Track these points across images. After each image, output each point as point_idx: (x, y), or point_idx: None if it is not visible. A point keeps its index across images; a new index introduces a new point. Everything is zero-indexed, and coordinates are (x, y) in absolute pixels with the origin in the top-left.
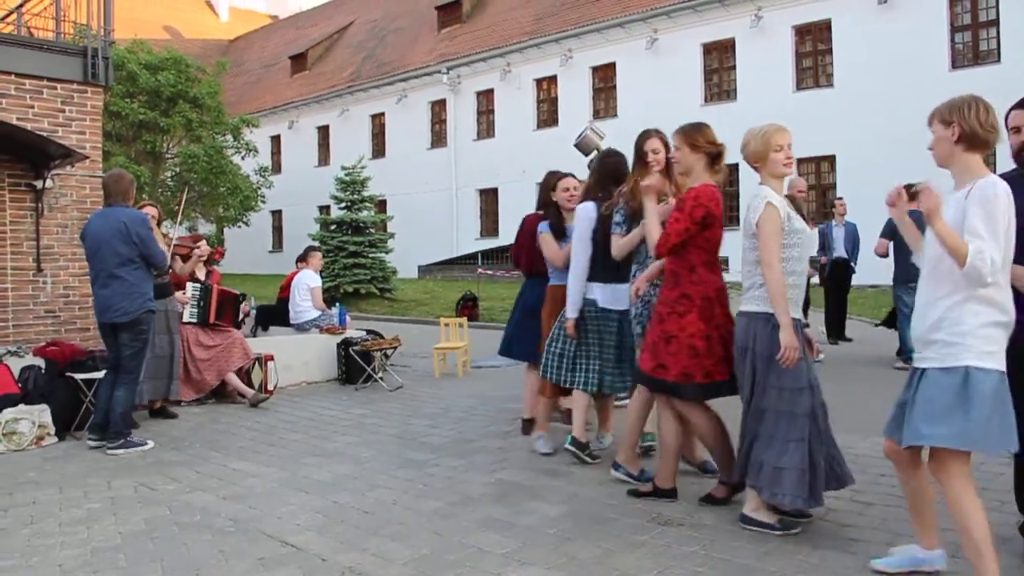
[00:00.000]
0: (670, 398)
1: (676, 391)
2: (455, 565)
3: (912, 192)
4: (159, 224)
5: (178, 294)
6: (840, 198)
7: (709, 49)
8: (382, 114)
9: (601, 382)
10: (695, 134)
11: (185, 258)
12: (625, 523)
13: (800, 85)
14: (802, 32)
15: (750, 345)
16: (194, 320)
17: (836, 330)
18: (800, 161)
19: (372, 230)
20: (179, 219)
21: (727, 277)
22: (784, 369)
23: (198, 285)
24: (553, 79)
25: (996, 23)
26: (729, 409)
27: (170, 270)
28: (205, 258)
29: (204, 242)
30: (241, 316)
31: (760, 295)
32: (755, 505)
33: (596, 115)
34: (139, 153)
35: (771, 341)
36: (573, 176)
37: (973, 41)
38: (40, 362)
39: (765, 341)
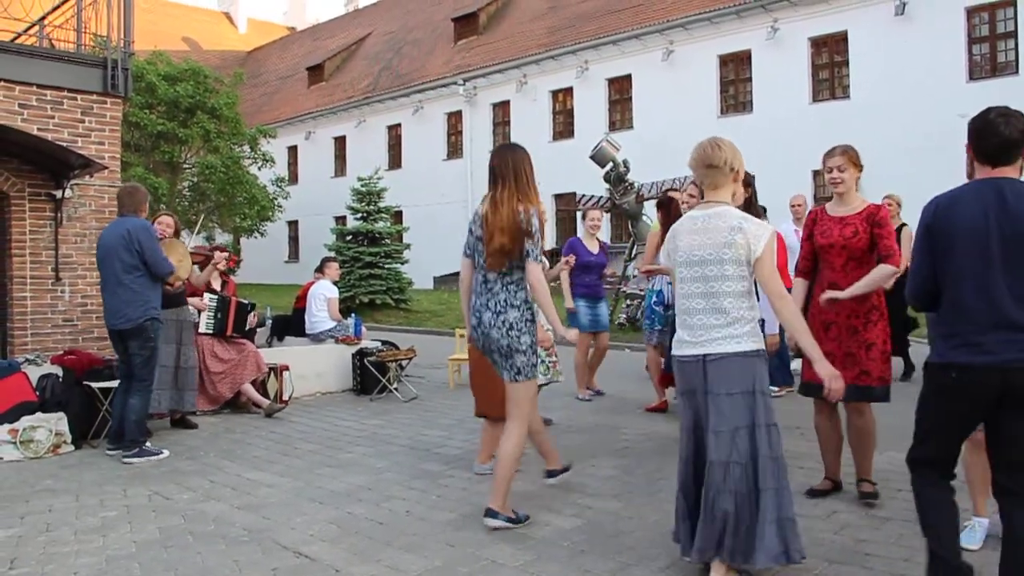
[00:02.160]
0: (860, 403)
1: (874, 395)
2: None
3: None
4: (176, 234)
5: (196, 300)
6: None
7: (725, 61)
8: (398, 125)
9: None
10: (855, 153)
11: (201, 266)
12: (639, 536)
13: (816, 97)
14: (818, 44)
15: (754, 388)
16: (210, 331)
17: None
18: (816, 173)
19: (388, 241)
20: (197, 228)
21: None
22: (771, 408)
23: (215, 296)
24: (569, 91)
25: (1014, 35)
26: None
27: (177, 279)
28: (222, 268)
29: (224, 253)
30: (249, 326)
31: (753, 331)
32: None
33: (612, 127)
34: (157, 164)
35: (765, 378)
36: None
37: (991, 53)
38: (58, 370)
39: (765, 380)
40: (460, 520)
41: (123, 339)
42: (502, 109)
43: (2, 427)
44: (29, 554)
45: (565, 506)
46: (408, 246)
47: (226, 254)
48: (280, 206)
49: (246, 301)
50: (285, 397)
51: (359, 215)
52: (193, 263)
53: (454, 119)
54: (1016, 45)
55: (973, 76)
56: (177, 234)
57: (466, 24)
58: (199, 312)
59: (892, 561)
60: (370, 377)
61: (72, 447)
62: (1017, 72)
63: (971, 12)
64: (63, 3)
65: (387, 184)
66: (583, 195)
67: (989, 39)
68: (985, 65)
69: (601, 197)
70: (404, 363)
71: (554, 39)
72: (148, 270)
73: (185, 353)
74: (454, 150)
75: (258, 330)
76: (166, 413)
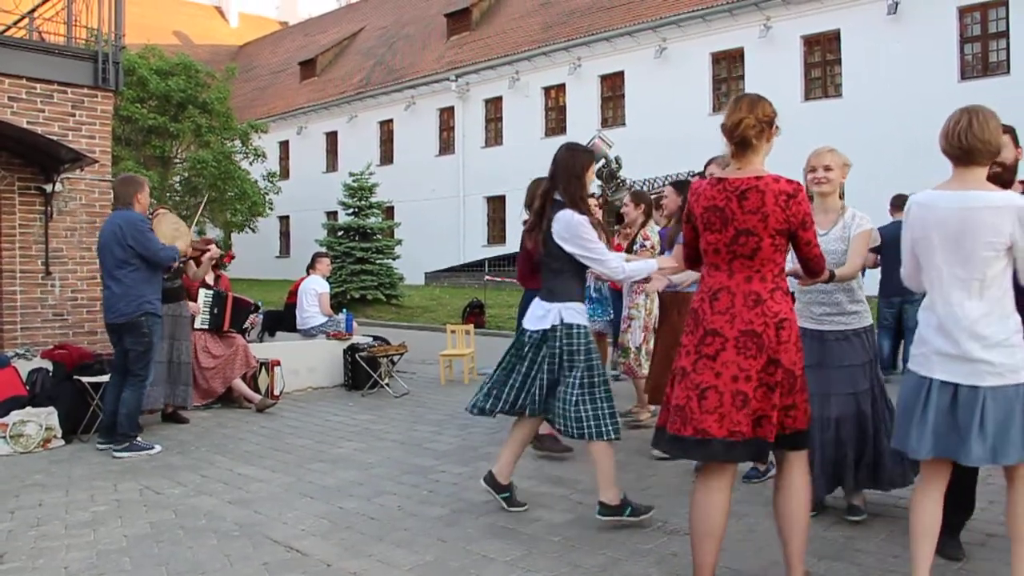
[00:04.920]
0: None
1: None
2: (460, 572)
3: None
4: None
5: (191, 304)
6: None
7: (718, 58)
8: (390, 121)
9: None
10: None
11: (197, 261)
12: (630, 531)
13: (808, 95)
14: (811, 42)
15: None
16: (206, 327)
17: None
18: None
19: (379, 236)
20: (194, 223)
21: None
22: None
23: (211, 292)
24: (561, 87)
25: (1006, 35)
26: None
27: (182, 271)
28: (214, 262)
29: (214, 245)
30: (249, 325)
31: None
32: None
33: (604, 124)
34: (148, 158)
35: None
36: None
37: (983, 52)
38: (48, 365)
39: None
40: (451, 515)
41: (118, 334)
42: (494, 105)
43: None
44: (19, 548)
45: (556, 501)
46: (399, 242)
47: (215, 247)
48: (271, 201)
49: (252, 301)
50: (276, 392)
51: (350, 210)
52: (189, 258)
53: (446, 115)
54: (1008, 45)
55: (965, 75)
56: None
57: (459, 20)
58: None
59: (882, 558)
60: (361, 372)
61: (62, 441)
62: (1009, 72)
63: (963, 12)
64: None
65: (379, 180)
66: None
67: (981, 39)
68: (977, 65)
69: (593, 194)
70: (395, 359)
71: (547, 35)
72: (146, 263)
73: (178, 348)
74: (446, 146)
75: (249, 329)
76: (158, 408)
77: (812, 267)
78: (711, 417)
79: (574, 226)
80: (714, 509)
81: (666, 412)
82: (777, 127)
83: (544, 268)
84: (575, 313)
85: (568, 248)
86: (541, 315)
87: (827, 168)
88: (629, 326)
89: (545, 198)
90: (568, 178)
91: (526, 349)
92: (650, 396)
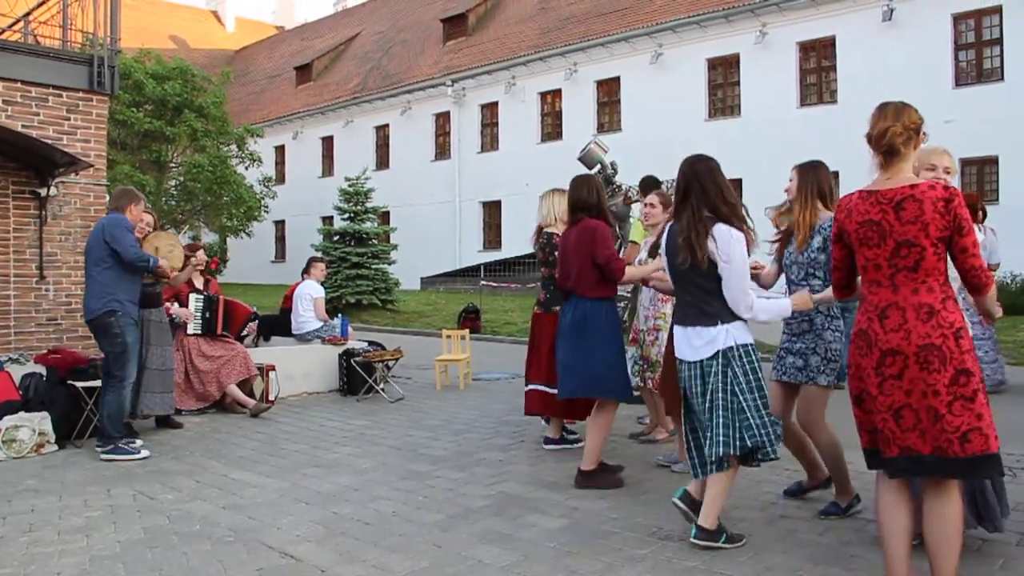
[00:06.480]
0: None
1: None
2: None
3: None
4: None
5: (182, 310)
6: None
7: (714, 64)
8: (386, 126)
9: None
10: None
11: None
12: (626, 537)
13: (804, 101)
14: (806, 48)
15: None
16: (198, 332)
17: None
18: None
19: (375, 241)
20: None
21: None
22: None
23: (201, 297)
24: (558, 93)
25: (1000, 42)
26: None
27: (174, 270)
28: (202, 267)
29: (201, 251)
30: (247, 333)
31: None
32: None
33: (600, 129)
34: (144, 162)
35: None
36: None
37: (977, 59)
38: (41, 369)
39: None
40: (447, 521)
41: (95, 335)
42: (490, 110)
43: None
44: (11, 555)
45: (552, 507)
46: (395, 247)
47: (202, 252)
48: (267, 206)
49: (250, 309)
50: (271, 397)
51: (346, 215)
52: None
53: (442, 120)
54: (1001, 52)
55: (959, 82)
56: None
57: (455, 25)
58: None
59: (876, 564)
60: (356, 377)
61: (55, 447)
62: (1002, 79)
63: (957, 19)
64: None
65: (374, 184)
66: None
67: (975, 45)
68: (971, 71)
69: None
70: (391, 364)
71: (543, 41)
72: (120, 262)
73: (161, 354)
74: (442, 151)
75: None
76: (152, 414)
77: (971, 279)
78: (913, 435)
79: (732, 244)
80: (901, 510)
81: (869, 436)
82: (925, 133)
83: (689, 288)
84: (743, 332)
85: (723, 268)
86: (707, 340)
87: (947, 170)
88: (656, 338)
89: (690, 219)
90: (717, 189)
91: (696, 382)
92: (667, 407)
